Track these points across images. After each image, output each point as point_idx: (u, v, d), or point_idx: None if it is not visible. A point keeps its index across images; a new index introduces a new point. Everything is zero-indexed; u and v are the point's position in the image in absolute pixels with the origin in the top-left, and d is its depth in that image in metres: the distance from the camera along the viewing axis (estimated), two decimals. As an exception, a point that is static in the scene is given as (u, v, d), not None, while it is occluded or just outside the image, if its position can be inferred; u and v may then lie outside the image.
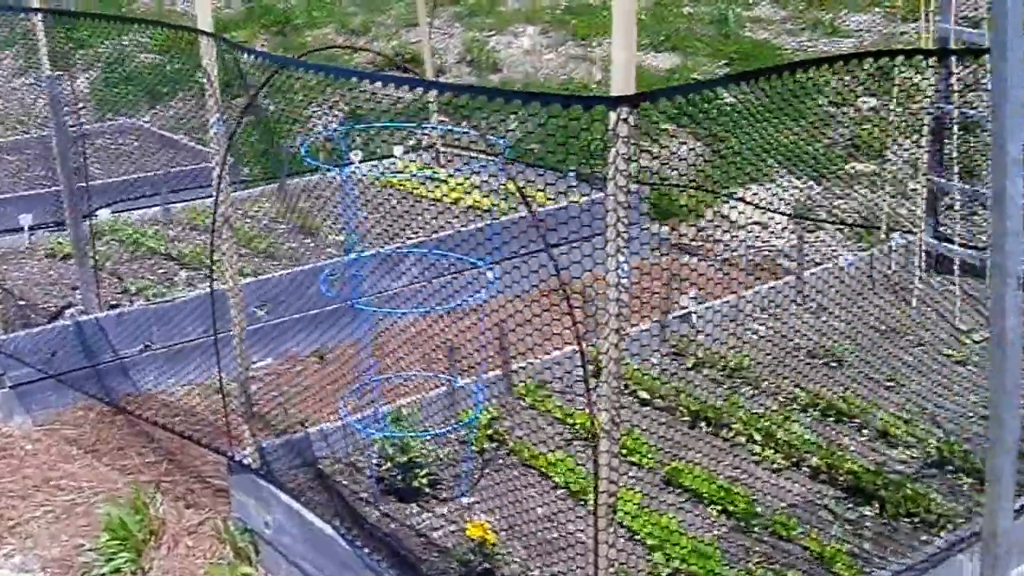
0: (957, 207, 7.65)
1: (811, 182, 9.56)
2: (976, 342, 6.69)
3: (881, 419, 5.71)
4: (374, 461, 5.20)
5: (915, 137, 9.65)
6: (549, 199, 8.50)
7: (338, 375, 6.37)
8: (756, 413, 5.81)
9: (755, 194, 9.48)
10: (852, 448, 5.55)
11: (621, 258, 3.39)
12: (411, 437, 5.22)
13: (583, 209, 7.70)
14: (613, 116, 3.32)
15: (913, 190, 8.87)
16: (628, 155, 3.32)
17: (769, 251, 8.83)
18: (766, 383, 6.17)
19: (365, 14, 13.14)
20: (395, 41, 12.44)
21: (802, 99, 10.50)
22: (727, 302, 6.89)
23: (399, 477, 5.15)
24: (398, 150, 9.88)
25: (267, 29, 13.14)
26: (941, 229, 7.65)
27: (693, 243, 9.08)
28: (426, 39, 9.60)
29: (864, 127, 9.90)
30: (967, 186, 7.53)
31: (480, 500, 5.20)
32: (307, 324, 7.17)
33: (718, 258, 8.68)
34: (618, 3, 3.22)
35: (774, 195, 9.61)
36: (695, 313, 6.73)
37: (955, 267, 7.05)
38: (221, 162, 4.93)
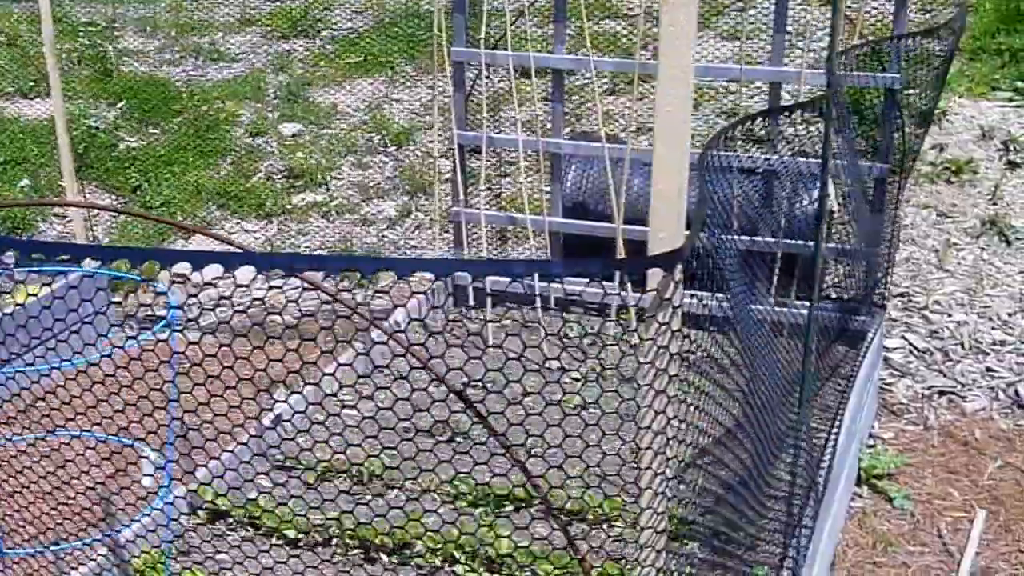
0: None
1: (262, 222, 8.49)
2: (579, 380, 6.06)
3: (573, 498, 4.93)
4: None
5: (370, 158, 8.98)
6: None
7: None
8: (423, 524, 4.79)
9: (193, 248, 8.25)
10: (552, 540, 4.74)
11: (670, 433, 2.32)
12: None
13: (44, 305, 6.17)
14: (659, 278, 2.24)
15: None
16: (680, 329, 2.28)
17: (253, 310, 7.65)
18: (412, 482, 5.13)
19: None
20: None
21: (213, 132, 9.45)
22: (306, 389, 5.68)
23: None
24: None
25: None
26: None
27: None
28: None
29: (296, 156, 9.02)
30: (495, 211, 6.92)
31: None
32: None
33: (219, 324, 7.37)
34: (666, 99, 2.13)
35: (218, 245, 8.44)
36: (283, 416, 5.47)
37: (540, 299, 6.40)
38: None
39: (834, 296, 6.09)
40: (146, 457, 3.54)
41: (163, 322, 3.44)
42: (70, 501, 3.78)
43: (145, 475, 3.59)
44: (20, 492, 3.71)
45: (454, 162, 6.72)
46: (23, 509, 3.81)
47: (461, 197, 6.72)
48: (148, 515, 3.82)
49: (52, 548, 3.88)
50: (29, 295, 6.70)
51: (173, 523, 4.65)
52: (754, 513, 4.21)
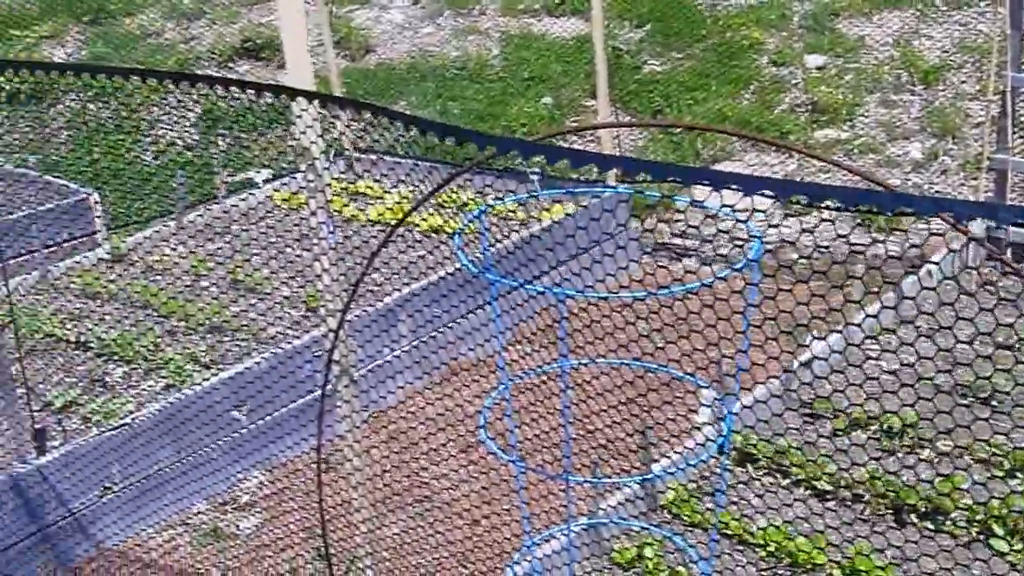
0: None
1: (781, 156, 8.32)
2: None
3: None
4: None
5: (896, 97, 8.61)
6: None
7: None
8: (968, 489, 4.52)
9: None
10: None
11: None
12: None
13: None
14: None
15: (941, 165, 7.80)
16: None
17: (779, 246, 7.46)
18: (944, 445, 4.86)
19: (196, -7, 11.21)
20: (238, 24, 10.60)
21: (737, 59, 9.33)
22: (839, 333, 5.49)
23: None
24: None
25: (78, 20, 11.03)
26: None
27: (683, 243, 7.63)
28: (326, 22, 7.87)
29: (820, 89, 8.74)
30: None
31: None
32: (300, 420, 5.52)
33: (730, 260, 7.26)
34: None
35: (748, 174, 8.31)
36: (814, 361, 5.28)
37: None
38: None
39: None
40: (713, 402, 3.47)
41: (745, 261, 3.37)
42: (628, 437, 3.81)
43: (704, 419, 3.54)
44: (593, 417, 3.77)
45: (1002, 105, 6.30)
46: (595, 433, 3.87)
47: (1009, 144, 6.29)
48: (705, 460, 3.78)
49: (637, 480, 3.92)
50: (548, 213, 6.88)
51: (718, 467, 4.63)
52: None
